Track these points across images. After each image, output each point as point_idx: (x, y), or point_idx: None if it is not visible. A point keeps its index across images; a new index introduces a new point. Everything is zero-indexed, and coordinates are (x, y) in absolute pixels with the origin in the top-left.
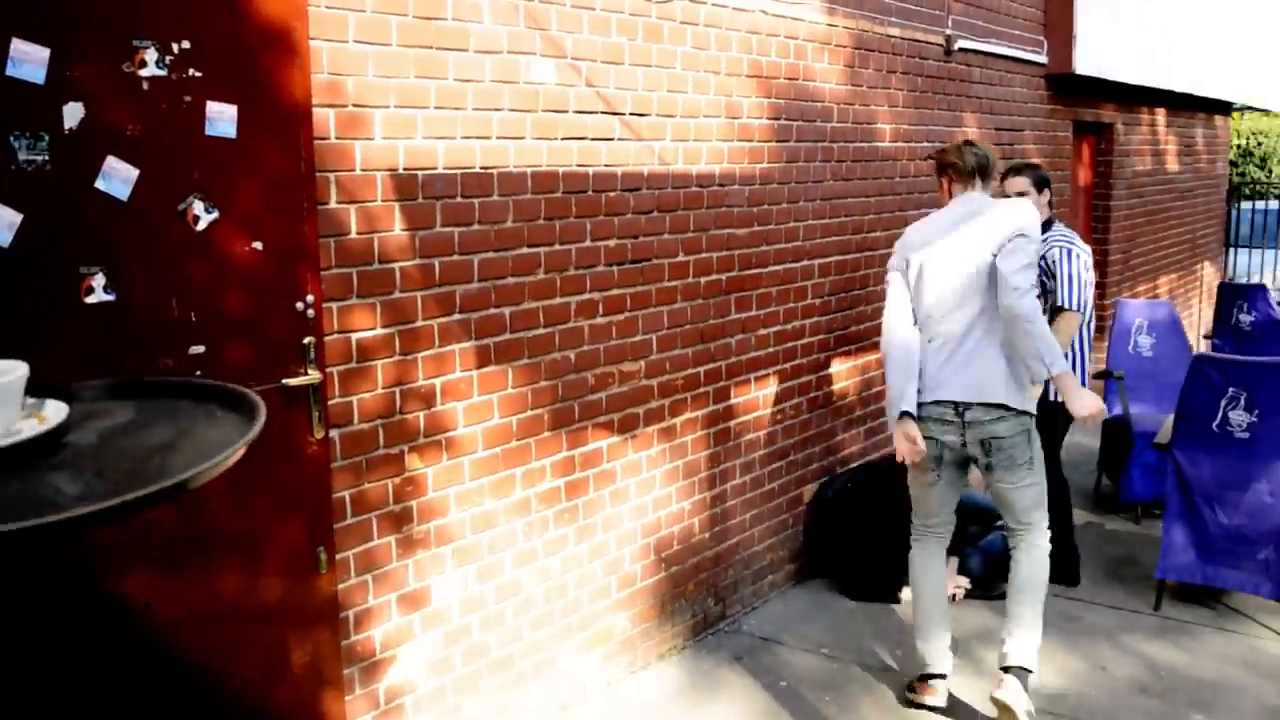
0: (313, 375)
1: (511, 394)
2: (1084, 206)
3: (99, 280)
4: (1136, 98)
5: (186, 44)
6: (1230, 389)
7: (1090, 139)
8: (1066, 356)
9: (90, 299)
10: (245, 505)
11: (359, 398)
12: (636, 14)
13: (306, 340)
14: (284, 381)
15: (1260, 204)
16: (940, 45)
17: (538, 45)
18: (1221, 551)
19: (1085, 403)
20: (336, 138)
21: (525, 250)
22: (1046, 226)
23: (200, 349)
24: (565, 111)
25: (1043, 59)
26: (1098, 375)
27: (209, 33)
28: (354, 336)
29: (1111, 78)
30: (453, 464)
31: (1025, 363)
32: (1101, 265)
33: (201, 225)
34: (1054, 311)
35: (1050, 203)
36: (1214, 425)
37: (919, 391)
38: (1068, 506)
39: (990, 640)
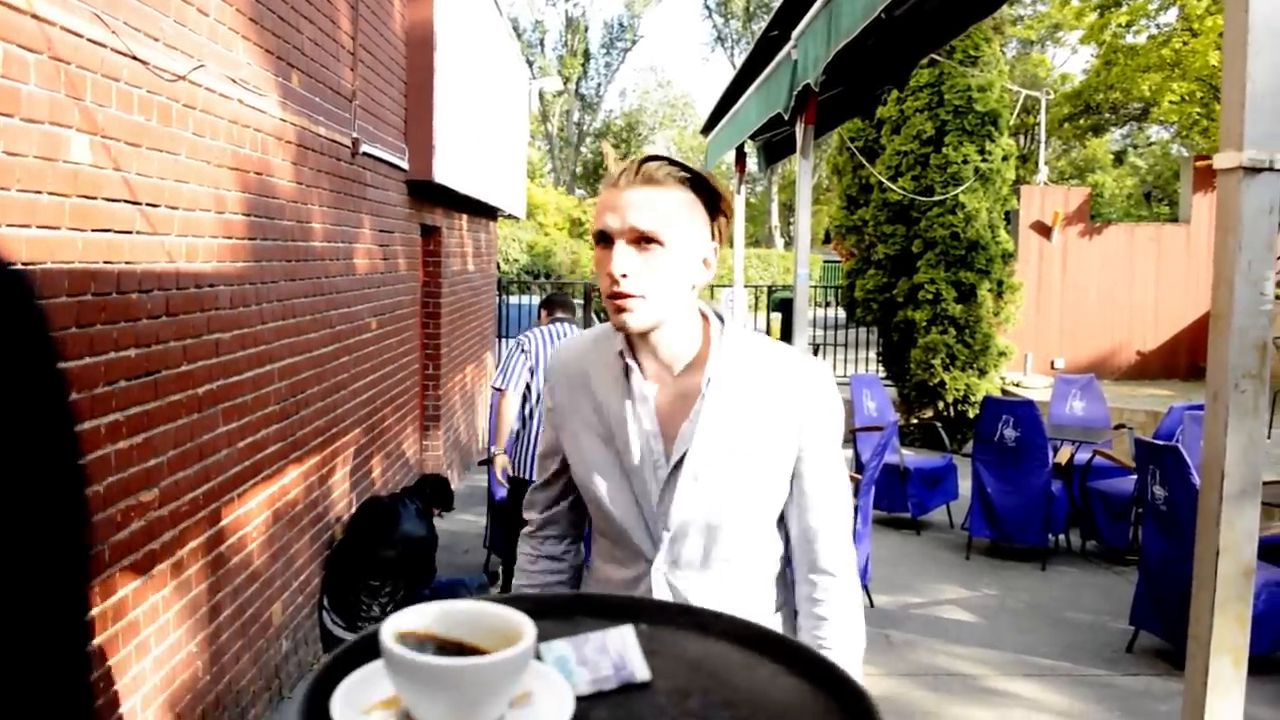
0: None
1: None
2: (419, 303)
3: None
4: (451, 203)
5: None
6: None
7: (423, 240)
8: None
9: None
10: None
11: None
12: (155, 91)
13: None
14: None
15: (523, 298)
16: (349, 147)
17: (76, 118)
18: None
19: None
20: None
21: (59, 366)
22: None
23: None
24: (97, 198)
25: (405, 165)
26: None
27: None
28: None
29: (456, 187)
30: None
31: None
32: (436, 356)
33: None
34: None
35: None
36: None
37: None
38: None
39: None
